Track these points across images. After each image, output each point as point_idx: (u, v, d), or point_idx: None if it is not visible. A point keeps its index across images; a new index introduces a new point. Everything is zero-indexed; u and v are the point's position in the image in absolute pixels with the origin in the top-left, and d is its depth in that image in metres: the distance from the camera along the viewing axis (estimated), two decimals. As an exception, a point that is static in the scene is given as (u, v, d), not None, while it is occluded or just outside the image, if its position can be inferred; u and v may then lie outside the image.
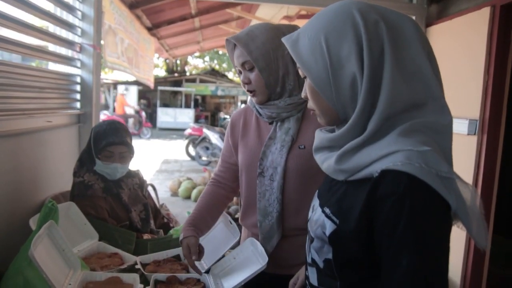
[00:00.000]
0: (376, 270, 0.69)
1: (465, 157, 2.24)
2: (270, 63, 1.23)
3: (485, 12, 2.12)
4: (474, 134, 2.16)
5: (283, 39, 0.80)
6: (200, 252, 1.30)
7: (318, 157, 0.82)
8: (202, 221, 1.36)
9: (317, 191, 0.92)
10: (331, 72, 0.72)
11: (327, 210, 0.77)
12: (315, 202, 0.88)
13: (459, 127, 2.24)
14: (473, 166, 2.18)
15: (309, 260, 0.84)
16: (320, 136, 0.82)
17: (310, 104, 0.81)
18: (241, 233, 1.46)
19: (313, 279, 0.83)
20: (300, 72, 0.79)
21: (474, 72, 2.18)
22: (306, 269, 0.88)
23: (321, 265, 0.79)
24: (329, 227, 0.75)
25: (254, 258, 1.29)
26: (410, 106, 0.69)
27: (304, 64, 0.75)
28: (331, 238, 0.74)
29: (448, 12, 2.52)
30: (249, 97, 1.35)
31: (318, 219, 0.79)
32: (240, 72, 1.30)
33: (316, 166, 1.12)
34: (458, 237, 2.25)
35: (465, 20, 2.29)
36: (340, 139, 0.74)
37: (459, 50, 2.35)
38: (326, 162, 0.78)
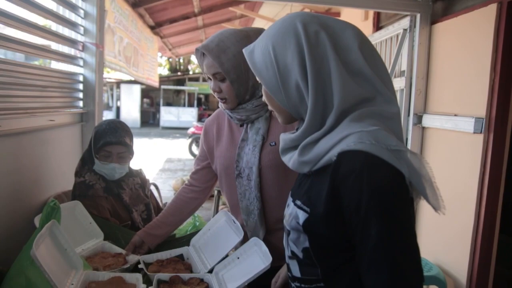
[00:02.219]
0: (352, 252, 0.74)
1: (471, 156, 2.22)
2: (240, 74, 1.29)
3: (492, 9, 2.09)
4: (480, 132, 2.14)
5: (244, 51, 0.88)
6: (137, 251, 1.50)
7: (286, 158, 0.88)
8: (155, 228, 1.54)
9: (290, 190, 0.97)
10: (279, 78, 0.80)
11: (298, 202, 0.83)
12: (289, 199, 0.92)
13: (465, 125, 2.22)
14: (479, 165, 2.15)
15: (288, 253, 0.88)
16: (283, 138, 0.89)
17: (269, 106, 0.90)
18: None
19: (296, 272, 0.86)
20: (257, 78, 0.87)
21: (480, 69, 2.16)
22: (288, 264, 0.91)
23: (300, 255, 0.83)
24: (302, 216, 0.80)
25: (257, 258, 1.28)
26: (360, 101, 0.76)
27: (258, 71, 0.84)
28: (305, 226, 0.79)
29: (454, 9, 2.49)
30: (219, 102, 1.41)
31: (292, 212, 0.85)
32: (209, 79, 1.35)
33: None
34: (464, 237, 2.23)
35: (471, 17, 2.26)
36: (300, 138, 0.81)
37: (465, 48, 2.32)
38: (291, 159, 0.84)
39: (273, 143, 1.33)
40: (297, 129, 0.88)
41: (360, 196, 0.68)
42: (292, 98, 0.81)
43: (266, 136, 1.34)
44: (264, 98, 0.90)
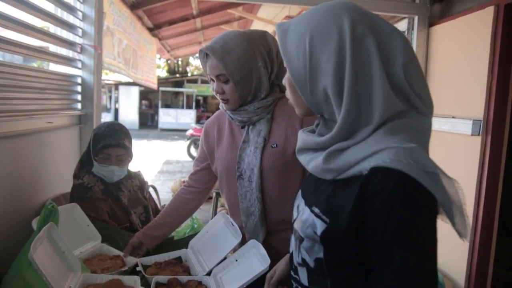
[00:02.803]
0: (366, 268, 0.71)
1: (469, 158, 2.22)
2: (244, 76, 1.29)
3: (489, 11, 2.10)
4: (478, 134, 2.14)
5: (277, 25, 0.81)
6: (136, 253, 1.50)
7: (303, 158, 0.84)
8: (154, 229, 1.54)
9: (300, 191, 0.93)
10: (309, 72, 0.74)
11: (316, 210, 0.78)
12: (300, 202, 0.88)
13: (463, 127, 2.23)
14: (477, 167, 2.16)
15: (299, 260, 0.84)
16: (304, 138, 0.84)
17: (288, 93, 0.85)
18: None
19: (304, 279, 0.83)
20: (284, 62, 0.80)
21: (478, 72, 2.17)
22: (294, 269, 0.88)
23: (311, 264, 0.80)
24: (320, 226, 0.75)
25: (256, 260, 1.28)
26: (398, 113, 0.72)
27: (287, 56, 0.78)
28: (323, 237, 0.75)
29: (452, 12, 2.50)
30: (221, 103, 1.41)
31: (307, 219, 0.80)
32: (212, 80, 1.34)
33: (291, 163, 1.14)
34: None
35: (469, 20, 2.27)
36: (327, 143, 0.76)
37: (462, 50, 2.33)
38: (312, 162, 0.79)
39: (275, 145, 1.33)
40: (316, 126, 0.85)
41: (389, 217, 0.64)
42: (317, 96, 0.76)
43: (267, 138, 1.34)
44: (284, 82, 0.84)
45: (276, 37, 0.82)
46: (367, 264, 0.71)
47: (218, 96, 1.36)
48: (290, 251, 0.92)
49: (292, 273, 0.90)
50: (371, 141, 0.71)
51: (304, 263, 0.82)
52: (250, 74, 1.30)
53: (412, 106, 0.74)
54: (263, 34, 1.36)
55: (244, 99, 1.34)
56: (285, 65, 0.80)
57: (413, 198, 0.64)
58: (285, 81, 0.85)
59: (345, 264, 0.74)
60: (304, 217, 0.82)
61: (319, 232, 0.75)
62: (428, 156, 0.72)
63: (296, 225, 0.85)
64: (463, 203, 0.69)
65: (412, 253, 0.64)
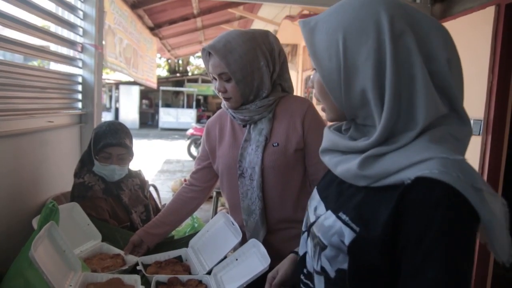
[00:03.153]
0: (391, 281, 0.67)
1: (469, 158, 2.19)
2: (246, 75, 1.30)
3: (490, 11, 2.10)
4: (479, 134, 2.15)
5: (300, 23, 0.75)
6: (137, 251, 1.50)
7: (328, 159, 0.78)
8: (155, 227, 1.54)
9: (316, 191, 0.88)
10: (344, 75, 0.68)
11: (343, 217, 0.72)
12: (318, 204, 0.83)
13: (463, 127, 2.23)
14: (477, 167, 2.16)
15: (317, 268, 0.78)
16: (333, 139, 0.77)
17: (317, 96, 0.78)
18: None
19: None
20: (311, 63, 0.74)
21: (479, 71, 2.17)
22: (308, 275, 0.83)
23: (332, 274, 0.74)
24: (348, 235, 0.69)
25: (256, 260, 1.28)
26: (439, 117, 0.67)
27: (317, 58, 0.71)
28: (351, 247, 0.69)
29: (452, 11, 2.50)
30: (223, 101, 1.42)
31: (333, 225, 0.73)
32: (214, 79, 1.36)
33: (292, 161, 1.12)
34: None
35: (470, 19, 2.27)
36: (364, 149, 0.70)
37: (463, 50, 2.32)
38: (341, 166, 0.73)
39: (276, 144, 1.33)
40: (345, 130, 0.79)
41: (427, 229, 0.60)
42: (352, 100, 0.70)
43: (269, 137, 1.35)
44: (314, 85, 0.78)
45: (302, 36, 0.74)
46: (392, 280, 0.66)
47: (220, 95, 1.37)
48: (301, 253, 0.88)
49: (303, 277, 0.85)
50: (415, 148, 0.65)
51: (323, 271, 0.77)
52: (252, 73, 1.31)
53: (453, 109, 0.69)
54: (266, 33, 1.37)
55: (246, 98, 1.35)
56: (313, 66, 0.74)
57: (457, 214, 0.60)
58: (311, 83, 0.78)
59: (370, 277, 0.69)
60: (329, 223, 0.75)
61: (347, 241, 0.69)
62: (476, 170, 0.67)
63: (317, 230, 0.79)
64: (506, 223, 0.64)
65: (446, 272, 0.59)
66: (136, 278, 1.28)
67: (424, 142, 0.65)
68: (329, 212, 0.77)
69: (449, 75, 0.67)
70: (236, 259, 1.35)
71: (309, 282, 0.82)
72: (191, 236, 1.60)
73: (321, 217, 0.79)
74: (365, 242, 0.67)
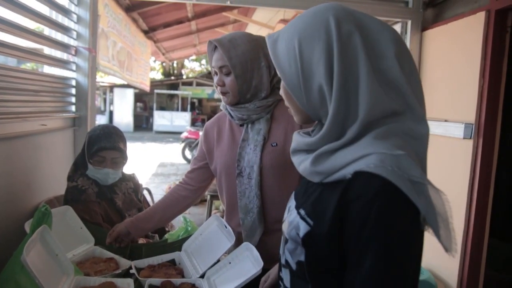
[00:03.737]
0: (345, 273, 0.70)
1: (461, 161, 2.24)
2: (246, 72, 1.34)
3: (480, 16, 2.13)
4: (470, 138, 2.17)
5: (266, 37, 0.81)
6: (121, 241, 1.52)
7: (295, 159, 0.83)
8: (144, 221, 1.54)
9: (293, 192, 0.92)
10: (302, 77, 0.74)
11: (302, 212, 0.77)
12: (292, 203, 0.88)
13: (455, 131, 2.25)
14: (469, 170, 2.18)
15: (283, 261, 0.85)
16: (297, 139, 0.83)
17: (286, 103, 0.84)
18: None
19: (287, 281, 0.83)
20: (277, 71, 0.80)
21: (470, 76, 2.19)
22: (280, 270, 0.88)
23: (293, 267, 0.79)
24: (303, 228, 0.74)
25: (249, 263, 1.29)
26: (388, 114, 0.70)
27: (279, 66, 0.78)
28: (305, 239, 0.74)
29: (444, 16, 2.53)
30: (222, 103, 1.46)
31: (293, 220, 0.79)
32: (215, 73, 1.39)
33: (291, 162, 1.14)
34: (454, 240, 2.25)
35: (461, 24, 2.30)
36: (316, 144, 0.75)
37: (454, 54, 2.36)
38: (302, 164, 0.78)
39: (275, 144, 1.36)
40: (312, 131, 0.84)
41: (365, 223, 0.63)
42: (312, 100, 0.75)
43: (267, 137, 1.37)
44: (281, 93, 0.84)
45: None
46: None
47: (218, 90, 1.40)
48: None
49: (280, 273, 0.90)
50: (360, 145, 0.69)
51: (287, 264, 0.82)
52: (252, 71, 1.35)
53: (409, 107, 0.71)
54: None
55: (243, 96, 1.38)
56: (279, 75, 0.79)
57: (392, 206, 0.62)
58: (281, 91, 0.84)
59: (326, 269, 0.73)
60: (291, 218, 0.81)
61: (301, 234, 0.74)
62: (423, 166, 0.70)
63: (284, 226, 0.85)
64: (449, 216, 0.66)
65: (382, 261, 0.62)
66: (129, 282, 1.28)
67: (369, 138, 0.69)
68: (295, 209, 0.82)
69: (398, 70, 0.71)
70: (229, 263, 1.36)
71: (282, 276, 0.87)
72: (184, 239, 1.60)
73: (289, 214, 0.85)
74: (316, 235, 0.72)
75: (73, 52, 2.20)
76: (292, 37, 0.75)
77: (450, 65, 2.39)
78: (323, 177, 0.72)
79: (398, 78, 0.70)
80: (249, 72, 1.35)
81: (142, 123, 20.83)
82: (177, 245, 1.62)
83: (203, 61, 24.14)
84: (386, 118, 0.70)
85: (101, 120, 17.32)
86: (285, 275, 0.84)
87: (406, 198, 0.62)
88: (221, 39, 1.35)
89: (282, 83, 0.82)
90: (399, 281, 0.63)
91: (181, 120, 18.57)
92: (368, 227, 0.63)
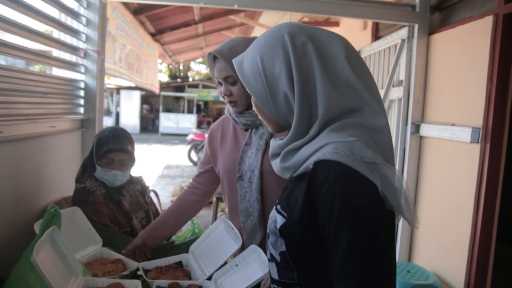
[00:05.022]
0: (324, 257, 0.75)
1: (468, 165, 2.23)
2: None
3: (488, 20, 2.12)
4: (477, 142, 2.16)
5: (233, 61, 0.90)
6: (139, 253, 1.54)
7: (273, 163, 0.90)
8: (158, 230, 1.56)
9: None
10: (268, 89, 0.82)
11: (278, 207, 0.85)
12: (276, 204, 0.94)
13: (462, 135, 2.24)
14: (476, 174, 2.17)
15: (268, 256, 0.90)
16: (272, 144, 0.90)
17: (259, 115, 0.91)
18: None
19: (274, 274, 0.88)
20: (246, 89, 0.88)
21: (477, 80, 2.18)
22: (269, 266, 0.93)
23: (278, 258, 0.85)
24: (280, 221, 0.82)
25: (256, 266, 1.29)
26: (346, 111, 0.78)
27: (247, 82, 0.86)
28: (281, 230, 0.81)
29: (451, 20, 2.53)
30: (226, 107, 1.46)
31: (272, 215, 0.87)
32: (220, 83, 1.39)
33: None
34: (461, 246, 2.24)
35: (468, 29, 2.30)
36: (285, 145, 0.83)
37: (462, 58, 2.35)
38: (276, 164, 0.86)
39: None
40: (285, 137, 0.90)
41: (332, 206, 0.70)
42: (280, 108, 0.82)
43: (269, 141, 1.38)
44: (253, 108, 0.91)
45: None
46: (325, 256, 0.75)
47: (225, 99, 1.40)
48: None
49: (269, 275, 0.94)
50: (319, 138, 0.77)
51: (272, 258, 0.87)
52: None
53: (365, 103, 0.78)
54: None
55: (251, 101, 1.37)
56: (248, 91, 0.87)
57: (353, 185, 0.70)
58: (253, 106, 0.91)
59: (307, 255, 0.79)
60: (271, 214, 0.89)
61: (278, 226, 0.82)
62: (386, 155, 0.78)
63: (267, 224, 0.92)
64: (406, 190, 0.74)
65: (357, 235, 0.68)
66: (137, 283, 1.29)
67: (326, 132, 0.77)
68: (274, 206, 0.89)
69: (350, 71, 0.79)
70: (236, 265, 1.36)
71: (270, 272, 0.92)
72: (192, 241, 1.61)
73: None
74: (290, 225, 0.79)
75: (82, 55, 2.23)
76: (255, 56, 0.83)
77: (457, 69, 2.38)
78: (292, 172, 0.81)
79: (351, 78, 0.78)
80: None
81: (148, 125, 20.91)
82: (184, 247, 1.63)
83: (209, 64, 24.16)
84: (345, 114, 0.78)
85: (108, 121, 17.41)
86: (272, 268, 0.89)
87: (363, 176, 0.70)
88: (221, 49, 1.34)
89: (252, 99, 0.89)
90: (377, 249, 0.69)
91: (187, 122, 18.62)
92: (335, 210, 0.69)
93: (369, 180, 0.69)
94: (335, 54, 0.80)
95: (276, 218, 0.84)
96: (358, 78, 0.79)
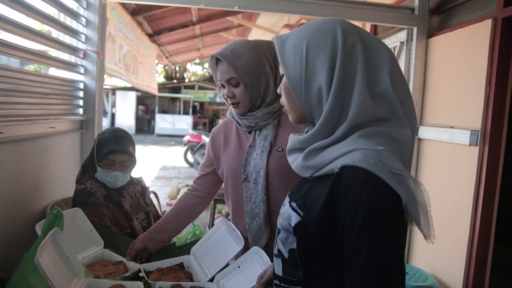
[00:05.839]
0: (337, 261, 0.76)
1: (466, 168, 2.25)
2: (254, 79, 1.36)
3: (487, 24, 2.14)
4: (476, 144, 2.17)
5: (274, 38, 0.89)
6: (139, 256, 1.53)
7: (290, 158, 0.90)
8: (159, 233, 1.55)
9: (289, 191, 0.98)
10: (305, 76, 0.81)
11: (293, 204, 0.84)
12: (286, 199, 0.93)
13: (461, 137, 2.26)
14: (474, 177, 2.18)
15: (275, 251, 0.90)
16: (292, 138, 0.90)
17: (283, 100, 0.91)
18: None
19: (278, 270, 0.88)
20: (280, 70, 0.87)
21: (476, 83, 2.20)
22: (273, 261, 0.93)
23: (286, 255, 0.85)
24: (295, 219, 0.81)
25: (258, 267, 1.29)
26: (375, 119, 0.78)
27: (285, 62, 0.84)
28: (296, 228, 0.80)
29: (450, 24, 2.54)
30: (229, 109, 1.47)
31: (285, 212, 0.86)
32: (223, 86, 1.40)
33: None
34: (460, 248, 2.25)
35: (467, 32, 2.31)
36: (308, 140, 0.83)
37: (460, 61, 2.37)
38: (296, 161, 0.86)
39: (281, 149, 1.37)
40: (306, 132, 0.89)
41: (356, 212, 0.69)
42: (310, 99, 0.82)
43: (273, 142, 1.39)
44: (280, 91, 0.90)
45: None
46: (337, 259, 0.75)
47: (228, 101, 1.40)
48: None
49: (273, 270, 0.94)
50: (346, 142, 0.77)
51: (279, 253, 0.87)
52: (259, 77, 1.36)
53: (395, 114, 0.79)
54: (269, 42, 1.42)
55: (254, 102, 1.39)
56: (281, 71, 0.86)
57: (379, 194, 0.69)
58: (280, 89, 0.90)
59: (317, 256, 0.79)
60: (283, 211, 0.88)
61: (293, 223, 0.81)
62: (406, 166, 0.78)
63: (278, 220, 0.91)
64: (428, 205, 0.74)
65: (379, 244, 0.68)
66: (139, 284, 1.29)
67: (354, 137, 0.77)
68: (287, 203, 0.89)
69: (389, 82, 0.79)
70: (239, 267, 1.36)
71: (274, 267, 0.92)
72: (193, 243, 1.61)
73: (283, 208, 0.91)
74: (306, 224, 0.79)
75: (81, 55, 2.22)
76: (301, 39, 0.82)
77: (456, 72, 2.40)
78: (313, 171, 0.80)
79: (389, 90, 0.79)
80: (256, 79, 1.36)
81: (144, 126, 20.84)
82: (186, 248, 1.63)
83: (206, 65, 24.18)
84: (373, 122, 0.78)
85: (103, 122, 17.29)
86: (277, 264, 0.89)
87: (389, 187, 0.70)
88: (223, 52, 1.35)
89: (283, 80, 0.87)
90: (395, 262, 0.69)
91: (182, 123, 18.58)
92: (359, 216, 0.69)
93: (395, 191, 0.70)
94: (381, 63, 0.80)
95: (290, 216, 0.83)
96: (395, 91, 0.79)
